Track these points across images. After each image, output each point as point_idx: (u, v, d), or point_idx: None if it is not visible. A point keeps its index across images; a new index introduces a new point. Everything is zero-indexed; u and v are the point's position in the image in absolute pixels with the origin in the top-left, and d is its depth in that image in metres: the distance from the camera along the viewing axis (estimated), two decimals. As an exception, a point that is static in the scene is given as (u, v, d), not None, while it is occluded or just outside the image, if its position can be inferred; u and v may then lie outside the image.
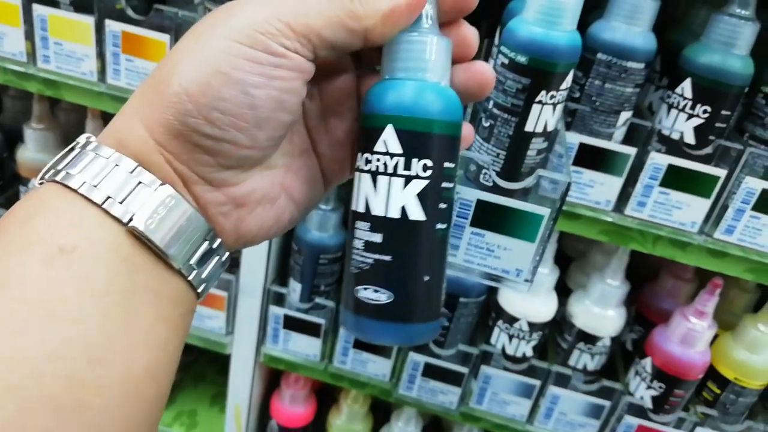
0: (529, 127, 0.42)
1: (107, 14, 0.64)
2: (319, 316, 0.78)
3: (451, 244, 0.47)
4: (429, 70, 0.28)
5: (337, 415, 0.92)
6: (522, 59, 0.40)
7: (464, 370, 0.76)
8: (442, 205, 0.28)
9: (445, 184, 0.28)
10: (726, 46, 0.56)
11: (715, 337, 0.70)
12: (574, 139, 0.60)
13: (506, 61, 0.41)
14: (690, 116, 0.58)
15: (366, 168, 0.28)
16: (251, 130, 0.26)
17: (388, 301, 0.28)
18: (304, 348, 0.81)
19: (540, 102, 0.41)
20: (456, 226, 0.46)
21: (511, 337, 0.74)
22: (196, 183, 0.27)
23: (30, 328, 0.22)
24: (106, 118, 0.79)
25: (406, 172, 0.27)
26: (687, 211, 0.61)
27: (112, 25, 0.64)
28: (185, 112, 0.25)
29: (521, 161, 0.44)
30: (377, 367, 0.80)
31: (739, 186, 0.59)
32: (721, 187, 0.59)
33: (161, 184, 0.25)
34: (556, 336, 0.78)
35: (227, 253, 0.29)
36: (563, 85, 0.41)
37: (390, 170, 0.27)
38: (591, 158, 0.60)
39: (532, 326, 0.73)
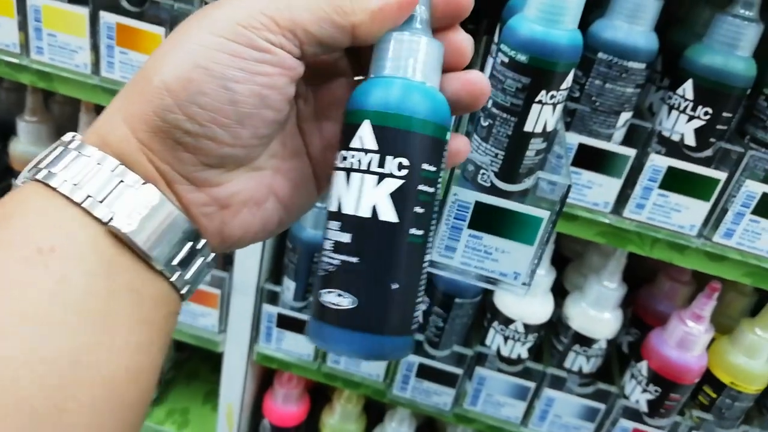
0: (528, 127, 0.42)
1: (102, 6, 0.63)
2: (313, 314, 0.78)
3: (448, 246, 0.46)
4: (414, 69, 0.27)
5: (330, 415, 0.92)
6: (522, 58, 0.39)
7: (459, 371, 0.75)
8: (419, 210, 0.26)
9: (422, 187, 0.26)
10: (729, 47, 0.55)
11: (712, 340, 0.69)
12: (573, 139, 0.59)
13: (506, 60, 0.40)
14: (691, 118, 0.58)
15: (341, 165, 0.27)
16: (233, 127, 0.26)
17: (351, 306, 0.26)
18: (297, 347, 0.81)
19: (540, 102, 0.41)
20: (453, 228, 0.45)
21: (506, 338, 0.73)
22: (179, 182, 0.26)
23: (5, 330, 0.21)
24: (99, 111, 0.78)
25: (380, 170, 0.26)
26: (686, 213, 0.60)
27: (106, 17, 0.63)
28: (165, 107, 0.24)
29: (520, 162, 0.44)
30: (371, 367, 0.79)
31: (739, 189, 0.58)
32: (721, 190, 0.58)
33: (143, 184, 0.25)
34: (552, 338, 0.77)
35: (213, 254, 0.28)
36: (564, 85, 0.41)
37: (363, 167, 0.26)
38: (590, 159, 0.59)
39: (528, 328, 0.72)
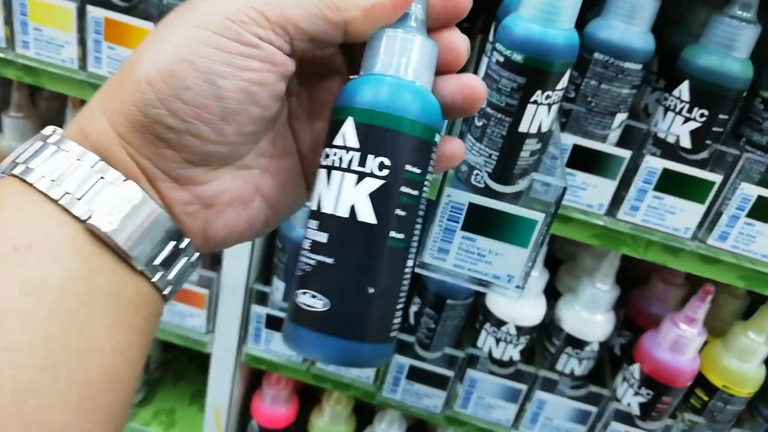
0: (523, 128, 0.41)
1: (89, 0, 0.61)
2: (303, 315, 0.77)
3: (441, 248, 0.45)
4: (404, 67, 0.26)
5: (319, 416, 0.91)
6: (518, 57, 0.39)
7: (450, 373, 0.74)
8: (400, 212, 0.25)
9: (405, 189, 0.25)
10: (726, 49, 0.55)
11: (705, 343, 0.69)
12: (568, 140, 0.59)
13: (501, 59, 0.40)
14: (687, 119, 0.57)
15: (324, 163, 0.26)
16: (218, 123, 0.25)
17: (324, 309, 0.25)
18: (286, 348, 0.79)
19: (535, 102, 0.40)
20: (446, 230, 0.44)
21: (498, 340, 0.73)
22: (161, 179, 0.25)
23: None
24: (86, 107, 0.76)
25: (360, 169, 0.25)
26: (681, 216, 0.59)
27: (94, 11, 0.62)
28: (147, 102, 0.24)
29: (514, 163, 0.43)
30: (361, 370, 0.78)
31: (734, 192, 0.58)
32: (716, 193, 0.58)
33: (124, 180, 0.24)
34: (544, 340, 0.76)
35: (197, 254, 0.27)
36: (559, 85, 0.40)
37: (344, 165, 0.25)
38: (585, 160, 0.59)
39: (520, 330, 0.72)
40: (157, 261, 0.25)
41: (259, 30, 0.24)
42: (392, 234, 0.25)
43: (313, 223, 0.26)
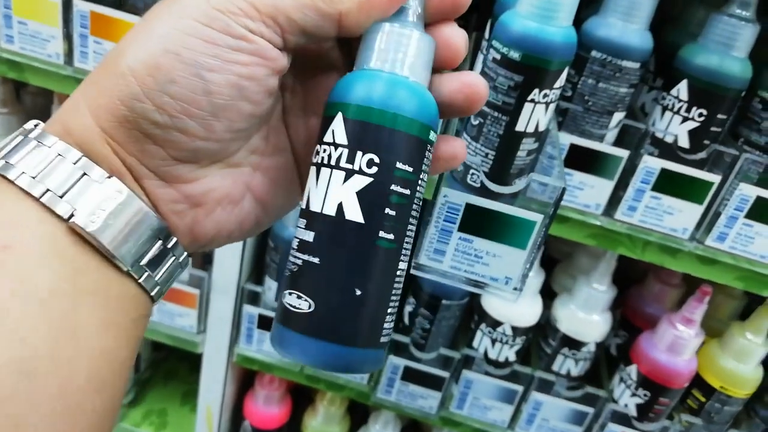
0: (520, 127, 0.40)
1: (75, -7, 0.60)
2: (296, 316, 0.76)
3: (437, 249, 0.44)
4: (397, 62, 0.25)
5: (313, 417, 0.90)
6: (515, 55, 0.38)
7: (445, 374, 0.73)
8: (390, 212, 0.24)
9: (396, 188, 0.24)
10: (725, 48, 0.54)
11: (702, 344, 0.68)
12: (565, 139, 0.58)
13: (498, 57, 0.39)
14: (685, 119, 0.56)
15: (314, 160, 0.25)
16: (206, 119, 0.24)
17: (308, 310, 0.24)
18: (279, 349, 0.78)
19: (532, 101, 0.39)
20: (443, 231, 0.43)
21: (494, 341, 0.72)
22: (146, 177, 0.24)
23: None
24: (74, 103, 0.75)
25: (348, 166, 0.24)
26: (678, 216, 0.59)
27: (80, 5, 0.60)
28: (132, 96, 0.23)
29: (511, 162, 0.42)
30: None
31: (732, 192, 0.57)
32: (715, 193, 0.57)
33: (108, 177, 0.23)
34: (540, 340, 0.76)
35: (185, 254, 0.26)
36: (557, 84, 0.39)
37: (333, 162, 0.24)
38: (582, 160, 0.58)
39: (516, 330, 0.71)
40: (144, 261, 0.24)
41: (249, 22, 0.23)
42: (381, 234, 0.24)
43: (302, 222, 0.25)
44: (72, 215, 0.22)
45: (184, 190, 0.25)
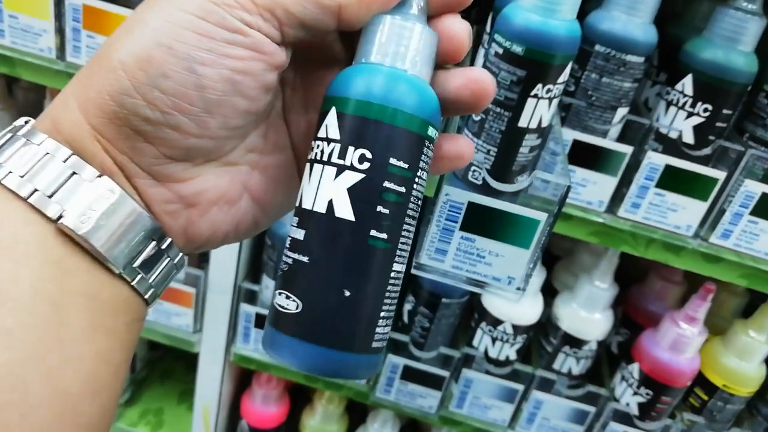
0: (522, 123, 0.39)
1: (67, -14, 0.59)
2: (294, 314, 0.75)
3: (438, 249, 0.43)
4: (395, 56, 0.24)
5: (311, 416, 0.89)
6: (518, 49, 0.37)
7: (445, 373, 0.73)
8: (382, 210, 0.23)
9: (389, 185, 0.23)
10: (730, 42, 0.53)
11: (704, 342, 0.68)
12: (568, 135, 0.57)
13: (500, 51, 0.38)
14: (690, 114, 0.55)
15: (309, 157, 0.24)
16: (200, 115, 0.23)
17: (296, 311, 0.23)
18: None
19: (535, 96, 0.38)
20: (444, 230, 0.42)
21: (494, 339, 0.71)
22: (138, 176, 0.23)
23: None
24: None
25: (340, 161, 0.23)
26: (683, 213, 0.58)
27: (72, -2, 0.59)
28: (122, 90, 0.22)
29: (513, 159, 0.41)
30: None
31: (737, 189, 0.56)
32: (720, 190, 0.56)
33: (98, 176, 0.22)
34: (541, 338, 0.75)
35: (180, 254, 0.25)
36: (560, 79, 0.38)
37: (325, 158, 0.23)
38: (585, 156, 0.57)
39: (517, 329, 0.70)
40: (137, 263, 0.23)
41: (245, 15, 0.22)
42: (373, 233, 0.23)
43: (294, 220, 0.24)
44: (61, 216, 0.21)
45: (177, 190, 0.24)
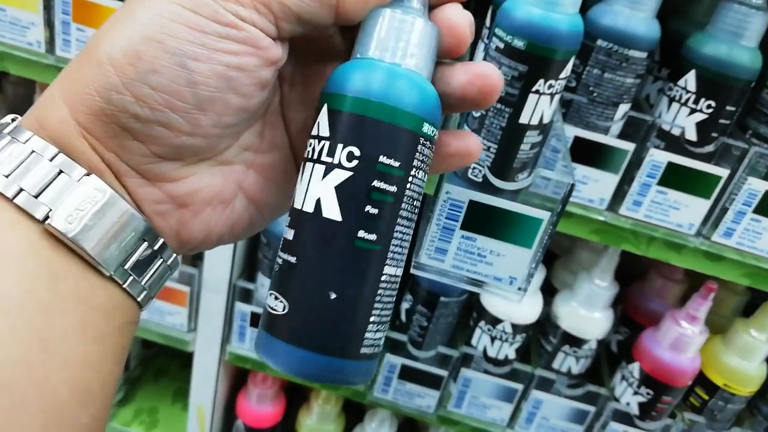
0: (524, 119, 0.38)
1: (56, -23, 0.58)
2: (290, 313, 0.73)
3: (438, 248, 0.42)
4: (391, 50, 0.23)
5: (307, 415, 0.88)
6: (519, 44, 0.36)
7: (443, 373, 0.72)
8: (371, 210, 0.22)
9: (378, 184, 0.22)
10: (734, 37, 0.52)
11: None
12: (569, 132, 0.56)
13: (501, 46, 0.37)
14: (693, 111, 0.55)
15: (303, 155, 0.24)
16: (191, 113, 0.22)
17: (282, 312, 0.23)
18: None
19: (537, 92, 0.37)
20: (445, 229, 0.41)
21: (493, 338, 0.70)
22: (128, 175, 0.22)
23: None
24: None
25: (328, 159, 0.22)
26: (685, 212, 0.57)
27: (61, -10, 0.58)
28: (110, 86, 0.21)
29: (514, 156, 0.40)
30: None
31: (740, 187, 0.55)
32: (722, 188, 0.56)
33: (86, 175, 0.21)
34: (540, 337, 0.74)
35: (174, 255, 0.24)
36: (563, 74, 0.37)
37: (315, 155, 0.23)
38: (586, 153, 0.56)
39: (516, 328, 0.69)
40: (128, 265, 0.22)
41: (239, 8, 0.21)
42: (361, 234, 0.22)
43: (287, 220, 0.24)
44: (48, 217, 0.21)
45: (168, 190, 0.23)
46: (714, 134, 0.55)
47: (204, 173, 0.24)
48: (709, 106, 0.54)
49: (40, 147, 0.21)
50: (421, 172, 0.23)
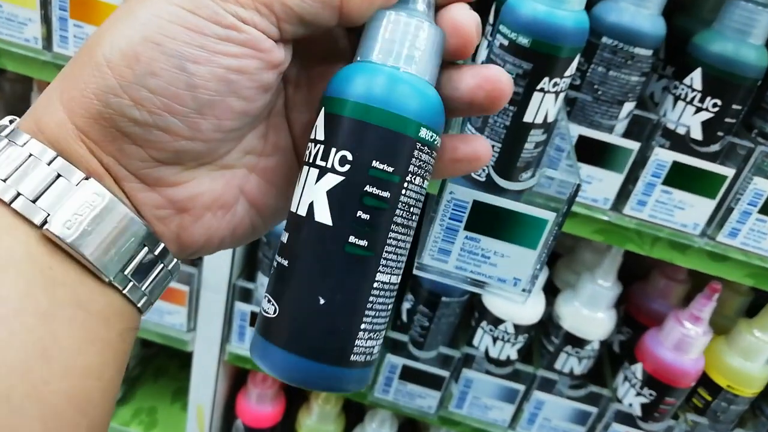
0: (528, 118, 0.38)
1: (53, -27, 0.57)
2: (290, 313, 0.73)
3: (441, 249, 0.42)
4: (391, 53, 0.22)
5: (307, 415, 0.88)
6: (524, 41, 0.35)
7: (445, 373, 0.71)
8: (363, 215, 0.22)
9: (370, 189, 0.22)
10: (741, 35, 0.52)
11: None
12: (573, 130, 0.55)
13: (506, 43, 0.36)
14: (698, 109, 0.54)
15: (303, 159, 0.24)
16: (191, 117, 0.21)
17: (272, 315, 0.23)
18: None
19: (542, 90, 0.37)
20: (448, 230, 0.41)
21: (495, 339, 0.70)
22: (127, 179, 0.22)
23: None
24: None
25: (322, 163, 0.22)
26: (690, 211, 0.57)
27: (59, -14, 0.57)
28: (107, 89, 0.20)
29: (518, 155, 0.40)
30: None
31: (746, 187, 0.55)
32: (728, 188, 0.55)
33: (85, 179, 0.21)
34: (542, 338, 0.74)
35: (174, 260, 0.24)
36: (568, 72, 0.37)
37: (311, 159, 0.23)
38: (590, 152, 0.56)
39: (518, 328, 0.69)
40: (128, 271, 0.22)
41: (240, 10, 0.21)
42: (352, 239, 0.22)
43: (284, 223, 0.24)
44: (46, 222, 0.20)
45: (168, 194, 0.23)
46: (720, 133, 0.54)
47: (204, 178, 0.24)
48: (714, 105, 0.53)
49: (38, 150, 0.21)
50: (418, 178, 0.23)
